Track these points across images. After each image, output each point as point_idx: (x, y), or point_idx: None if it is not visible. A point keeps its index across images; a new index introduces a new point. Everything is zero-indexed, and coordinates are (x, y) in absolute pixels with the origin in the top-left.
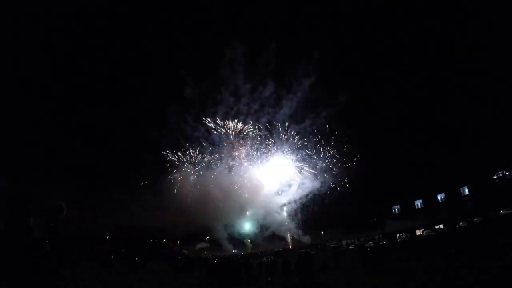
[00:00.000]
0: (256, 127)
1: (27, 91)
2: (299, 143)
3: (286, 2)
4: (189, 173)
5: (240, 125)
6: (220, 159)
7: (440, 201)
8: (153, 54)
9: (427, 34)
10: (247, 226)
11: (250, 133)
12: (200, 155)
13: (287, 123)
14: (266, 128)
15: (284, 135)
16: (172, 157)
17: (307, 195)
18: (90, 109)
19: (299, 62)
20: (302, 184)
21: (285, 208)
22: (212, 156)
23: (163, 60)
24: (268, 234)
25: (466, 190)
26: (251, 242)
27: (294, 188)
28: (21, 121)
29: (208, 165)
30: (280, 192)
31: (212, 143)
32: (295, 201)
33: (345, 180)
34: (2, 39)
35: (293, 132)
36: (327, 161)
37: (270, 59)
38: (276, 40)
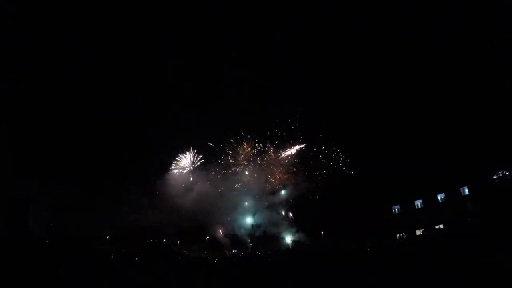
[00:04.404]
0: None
1: (26, 91)
2: (297, 143)
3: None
4: (187, 172)
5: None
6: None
7: (440, 201)
8: (151, 51)
9: (426, 32)
10: (243, 225)
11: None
12: (197, 155)
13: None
14: (264, 127)
15: (282, 135)
16: (170, 156)
17: (302, 196)
18: (90, 109)
19: (300, 61)
20: (298, 184)
21: (281, 208)
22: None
23: (162, 58)
24: (260, 233)
25: (466, 190)
26: (250, 242)
27: (290, 188)
28: (21, 121)
29: (205, 165)
30: (275, 192)
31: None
32: (289, 201)
33: (345, 180)
34: (2, 37)
35: (291, 131)
36: (325, 160)
37: (272, 54)
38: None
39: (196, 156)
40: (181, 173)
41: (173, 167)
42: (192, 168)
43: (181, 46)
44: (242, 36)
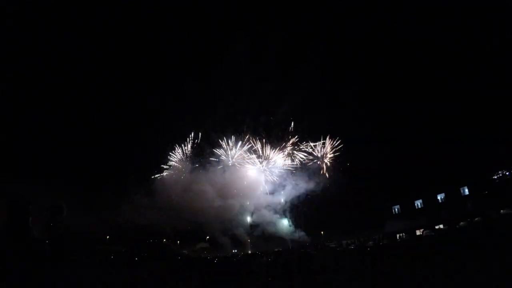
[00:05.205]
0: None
1: (26, 91)
2: (296, 142)
3: None
4: (185, 171)
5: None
6: (216, 160)
7: (440, 201)
8: (148, 50)
9: (427, 32)
10: (241, 224)
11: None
12: (195, 155)
13: (284, 122)
14: (264, 127)
15: (281, 134)
16: (168, 156)
17: (300, 196)
18: (89, 109)
19: (300, 60)
20: (297, 184)
21: (279, 208)
22: (208, 157)
23: (160, 56)
24: (258, 233)
25: (466, 190)
26: (250, 242)
27: (289, 188)
28: (20, 122)
29: (204, 164)
30: (274, 192)
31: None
32: (288, 201)
33: (344, 180)
34: (2, 37)
35: (291, 131)
36: (325, 160)
37: (272, 53)
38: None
39: (193, 148)
40: (179, 172)
41: (170, 164)
42: (190, 164)
43: (178, 40)
44: (242, 34)
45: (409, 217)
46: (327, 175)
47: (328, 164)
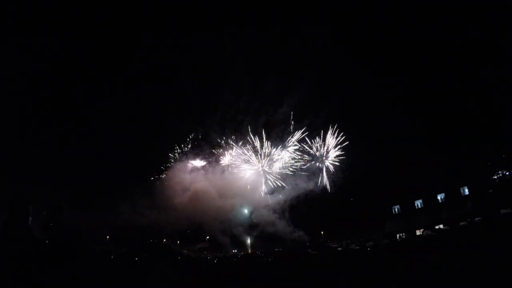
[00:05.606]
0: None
1: (26, 91)
2: (295, 142)
3: None
4: (184, 171)
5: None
6: (216, 160)
7: (440, 201)
8: (148, 50)
9: (427, 32)
10: (240, 224)
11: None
12: (195, 155)
13: (284, 122)
14: (264, 127)
15: (281, 134)
16: (169, 156)
17: (300, 196)
18: (89, 109)
19: (299, 60)
20: (297, 185)
21: (278, 208)
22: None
23: (160, 56)
24: (258, 233)
25: (466, 190)
26: (250, 242)
27: (288, 188)
28: (20, 122)
29: (203, 164)
30: (273, 192)
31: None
32: (288, 201)
33: (344, 180)
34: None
35: (290, 131)
36: (324, 160)
37: (273, 53)
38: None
39: (193, 149)
40: (178, 172)
41: (170, 164)
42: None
43: (177, 39)
44: (242, 34)
45: (409, 217)
46: (326, 176)
47: (328, 164)
